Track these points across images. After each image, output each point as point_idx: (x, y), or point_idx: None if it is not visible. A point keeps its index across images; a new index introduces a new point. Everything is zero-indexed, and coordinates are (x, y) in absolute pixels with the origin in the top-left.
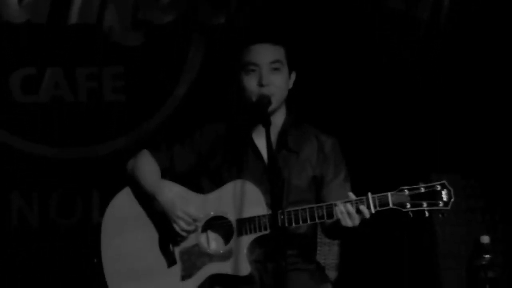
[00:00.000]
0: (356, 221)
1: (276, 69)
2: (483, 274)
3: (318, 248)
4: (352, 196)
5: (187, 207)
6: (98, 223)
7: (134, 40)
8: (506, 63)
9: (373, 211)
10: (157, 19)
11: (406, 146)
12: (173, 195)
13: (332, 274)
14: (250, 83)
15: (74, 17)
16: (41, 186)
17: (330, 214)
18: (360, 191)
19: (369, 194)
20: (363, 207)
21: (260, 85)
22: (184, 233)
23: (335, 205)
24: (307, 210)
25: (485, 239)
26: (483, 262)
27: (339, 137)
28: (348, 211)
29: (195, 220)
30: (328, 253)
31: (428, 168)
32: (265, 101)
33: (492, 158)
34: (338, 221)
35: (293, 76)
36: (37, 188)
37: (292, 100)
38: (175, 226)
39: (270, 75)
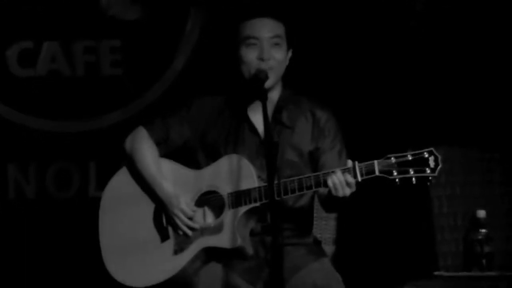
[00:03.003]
0: (347, 191)
1: (276, 44)
2: (479, 249)
3: (315, 222)
4: (349, 163)
5: (183, 204)
6: (95, 196)
7: (132, 13)
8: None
9: (359, 179)
10: None
11: (403, 118)
12: (171, 192)
13: (329, 248)
14: (250, 56)
15: None
16: (38, 159)
17: (318, 183)
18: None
19: (356, 163)
20: (347, 176)
21: (261, 59)
22: (187, 231)
23: (327, 174)
24: (296, 180)
25: (481, 213)
26: (479, 237)
27: (336, 109)
28: (339, 179)
29: (190, 218)
30: (324, 228)
31: (425, 140)
32: (262, 75)
33: (492, 131)
34: (329, 193)
35: (290, 53)
36: (34, 161)
37: (287, 74)
38: (177, 221)
39: (270, 49)
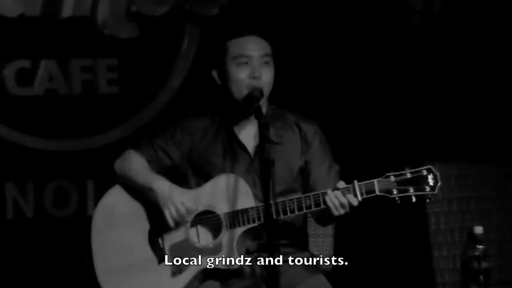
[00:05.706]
0: (347, 209)
1: (266, 62)
2: (476, 265)
3: (312, 240)
4: (341, 184)
5: (182, 197)
6: (93, 214)
7: (128, 32)
8: (500, 50)
9: (359, 199)
10: (150, 11)
11: (399, 134)
12: (170, 185)
13: (326, 266)
14: (241, 75)
15: (68, 10)
16: (36, 177)
17: (317, 204)
18: (349, 180)
19: (355, 182)
20: (350, 196)
21: (253, 77)
22: (171, 222)
23: (325, 194)
24: (295, 200)
25: (478, 229)
26: (477, 253)
27: (327, 125)
28: (339, 200)
29: (187, 211)
30: (321, 245)
31: (420, 156)
32: (257, 93)
33: (486, 146)
34: (326, 210)
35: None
36: (32, 179)
37: (272, 91)
38: (165, 212)
39: (262, 68)
